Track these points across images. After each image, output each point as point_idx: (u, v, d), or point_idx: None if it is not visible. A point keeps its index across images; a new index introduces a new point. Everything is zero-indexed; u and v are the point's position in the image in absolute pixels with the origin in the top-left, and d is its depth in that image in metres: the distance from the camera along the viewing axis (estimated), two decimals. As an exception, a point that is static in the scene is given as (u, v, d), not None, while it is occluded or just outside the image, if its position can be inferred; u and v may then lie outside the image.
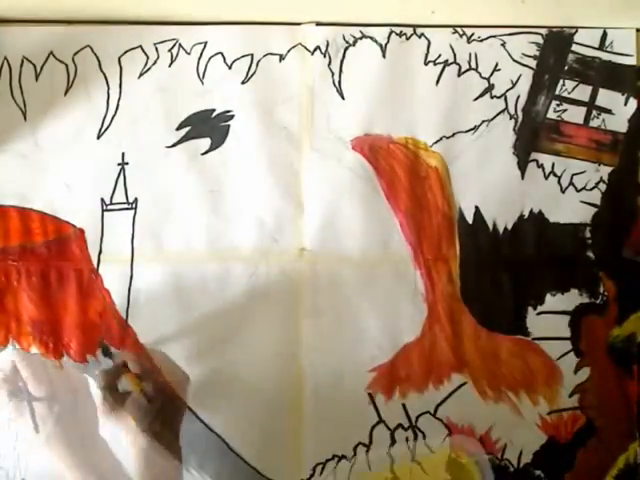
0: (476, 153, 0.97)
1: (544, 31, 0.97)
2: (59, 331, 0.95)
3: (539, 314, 0.96)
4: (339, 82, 0.97)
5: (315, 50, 0.97)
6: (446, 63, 0.97)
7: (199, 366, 0.95)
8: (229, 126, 0.97)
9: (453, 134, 0.97)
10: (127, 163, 0.97)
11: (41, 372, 0.82)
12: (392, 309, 0.96)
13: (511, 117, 0.98)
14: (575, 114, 0.98)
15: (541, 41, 0.97)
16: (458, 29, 0.97)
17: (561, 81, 0.98)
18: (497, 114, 0.97)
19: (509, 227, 0.97)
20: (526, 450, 0.96)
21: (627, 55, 0.97)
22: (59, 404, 0.79)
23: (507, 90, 0.98)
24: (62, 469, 0.79)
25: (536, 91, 0.98)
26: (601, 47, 0.98)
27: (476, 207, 0.97)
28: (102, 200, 0.97)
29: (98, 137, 0.97)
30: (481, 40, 0.97)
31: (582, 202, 0.97)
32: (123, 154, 0.97)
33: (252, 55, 0.97)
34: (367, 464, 0.95)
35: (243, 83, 0.97)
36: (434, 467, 0.95)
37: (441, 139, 0.97)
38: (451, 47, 0.97)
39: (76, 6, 0.93)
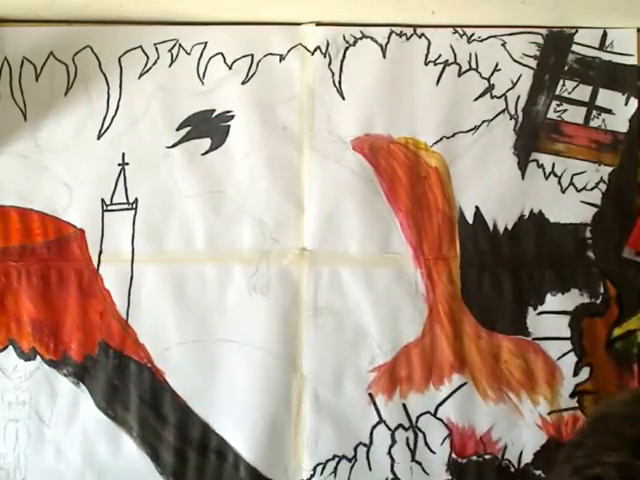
0: (476, 153, 0.97)
1: (544, 31, 0.97)
2: (59, 331, 0.95)
3: (539, 314, 0.96)
4: (339, 82, 0.97)
5: (315, 50, 0.97)
6: (446, 63, 0.97)
7: (199, 366, 0.95)
8: (229, 126, 0.97)
9: (453, 134, 0.97)
10: (127, 163, 0.97)
11: None
12: (392, 309, 0.96)
13: (511, 117, 0.97)
14: (575, 114, 0.98)
15: (541, 41, 0.97)
16: (458, 29, 0.97)
17: (561, 81, 0.98)
18: (497, 114, 0.97)
19: (509, 227, 0.97)
20: (527, 450, 0.95)
21: (627, 55, 0.97)
22: None
23: (507, 90, 0.97)
24: None
25: (536, 91, 0.98)
26: (601, 47, 0.97)
27: (476, 207, 0.97)
28: (102, 200, 0.97)
29: (98, 137, 0.97)
30: (481, 40, 0.97)
31: (582, 202, 0.97)
32: (123, 154, 0.97)
33: (252, 55, 0.97)
34: (367, 464, 0.95)
35: (243, 83, 0.97)
36: (434, 467, 0.95)
37: (441, 139, 0.97)
38: (451, 47, 0.97)
39: (76, 6, 0.93)
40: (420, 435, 0.95)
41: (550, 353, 0.96)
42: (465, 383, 0.96)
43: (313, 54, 0.97)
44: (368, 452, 0.95)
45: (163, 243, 0.96)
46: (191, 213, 0.96)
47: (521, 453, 0.95)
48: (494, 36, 0.97)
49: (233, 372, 0.95)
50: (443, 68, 0.97)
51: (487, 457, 0.95)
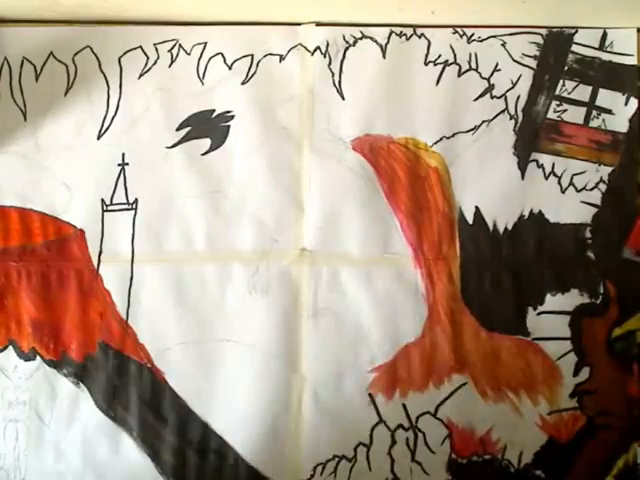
0: (476, 153, 0.97)
1: (544, 31, 0.97)
2: (59, 331, 0.95)
3: (539, 314, 0.96)
4: (339, 82, 0.97)
5: (315, 50, 0.97)
6: (446, 63, 0.97)
7: (199, 366, 0.95)
8: (229, 126, 0.97)
9: (453, 134, 0.97)
10: (127, 163, 0.97)
11: None
12: (392, 309, 0.96)
13: (511, 117, 0.97)
14: (575, 114, 0.98)
15: (541, 41, 0.97)
16: (458, 29, 0.97)
17: (561, 81, 0.98)
18: (497, 114, 0.97)
19: (509, 227, 0.97)
20: (526, 450, 0.96)
21: (627, 55, 0.97)
22: None
23: (507, 90, 0.98)
24: None
25: (536, 91, 0.98)
26: (601, 47, 0.97)
27: (476, 207, 0.97)
28: (102, 200, 0.97)
29: (98, 137, 0.97)
30: (481, 40, 0.97)
31: (582, 202, 0.97)
32: (123, 154, 0.97)
33: (252, 55, 0.97)
34: (367, 464, 0.95)
35: (243, 83, 0.97)
36: (434, 467, 0.95)
37: (441, 139, 0.97)
38: (451, 47, 0.97)
39: (76, 6, 0.93)
40: (420, 435, 0.95)
41: (550, 353, 0.96)
42: (465, 383, 0.96)
43: (313, 54, 0.97)
44: (368, 452, 0.95)
45: (163, 243, 0.96)
46: (191, 213, 0.96)
47: (521, 453, 0.95)
48: (494, 36, 0.97)
49: (233, 372, 0.95)
50: (443, 68, 0.97)
51: (487, 457, 0.96)
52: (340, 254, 0.96)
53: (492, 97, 0.97)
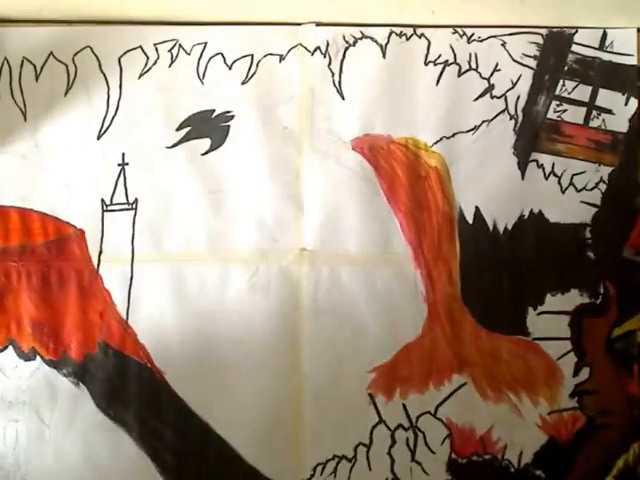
0: (476, 153, 0.97)
1: (544, 31, 0.97)
2: (59, 331, 0.95)
3: (539, 314, 0.96)
4: (339, 82, 0.97)
5: (315, 50, 0.97)
6: (446, 63, 0.97)
7: (199, 366, 0.95)
8: (229, 126, 0.97)
9: (453, 134, 0.97)
10: (127, 164, 0.97)
11: None
12: (392, 309, 0.96)
13: (511, 117, 0.98)
14: (575, 114, 0.98)
15: (541, 41, 0.97)
16: (458, 29, 0.97)
17: (561, 81, 0.98)
18: (497, 114, 0.97)
19: (509, 227, 0.97)
20: (526, 450, 0.96)
21: (627, 55, 0.97)
22: None
23: (507, 90, 0.98)
24: None
25: (536, 91, 0.98)
26: (601, 47, 0.97)
27: (476, 207, 0.97)
28: (102, 200, 0.97)
29: (98, 137, 0.97)
30: (481, 40, 0.98)
31: (582, 202, 0.97)
32: (123, 154, 0.97)
33: (252, 55, 0.97)
34: (367, 464, 0.95)
35: (243, 83, 0.97)
36: (434, 467, 0.95)
37: (441, 139, 0.97)
38: (451, 47, 0.97)
39: (76, 6, 0.93)
40: (420, 435, 0.95)
41: (550, 353, 0.96)
42: (465, 383, 0.96)
43: (313, 54, 0.97)
44: (368, 452, 0.95)
45: (163, 243, 0.96)
46: (191, 213, 0.96)
47: (521, 453, 0.95)
48: (494, 36, 0.97)
49: (233, 372, 0.95)
50: (443, 68, 0.97)
51: (487, 457, 0.96)
52: (340, 254, 0.96)
53: (492, 97, 0.97)
